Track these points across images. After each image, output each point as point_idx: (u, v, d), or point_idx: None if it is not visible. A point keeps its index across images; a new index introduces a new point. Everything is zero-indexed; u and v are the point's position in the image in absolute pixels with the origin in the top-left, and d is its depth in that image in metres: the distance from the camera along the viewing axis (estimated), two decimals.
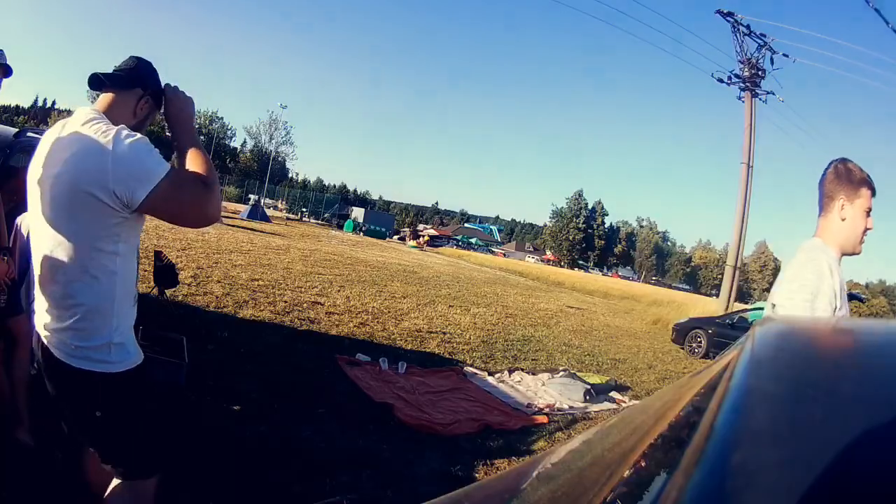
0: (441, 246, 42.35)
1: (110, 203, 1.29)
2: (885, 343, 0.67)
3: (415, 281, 11.58)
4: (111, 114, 1.41)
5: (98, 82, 1.44)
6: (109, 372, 1.36)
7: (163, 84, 1.54)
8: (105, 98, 1.44)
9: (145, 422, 1.47)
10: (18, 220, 2.18)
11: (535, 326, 8.78)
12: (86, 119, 1.35)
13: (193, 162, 1.43)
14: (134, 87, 1.46)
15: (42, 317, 1.40)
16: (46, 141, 1.41)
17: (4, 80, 2.36)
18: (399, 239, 39.49)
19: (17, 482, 1.88)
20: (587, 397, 4.88)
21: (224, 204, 22.98)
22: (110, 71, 1.47)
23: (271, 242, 13.31)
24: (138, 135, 1.34)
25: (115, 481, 1.48)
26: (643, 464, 0.62)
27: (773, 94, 18.14)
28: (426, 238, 43.37)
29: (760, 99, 18.04)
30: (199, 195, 1.39)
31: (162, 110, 1.53)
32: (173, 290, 4.93)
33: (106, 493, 1.49)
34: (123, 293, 1.39)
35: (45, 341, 1.39)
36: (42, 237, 1.36)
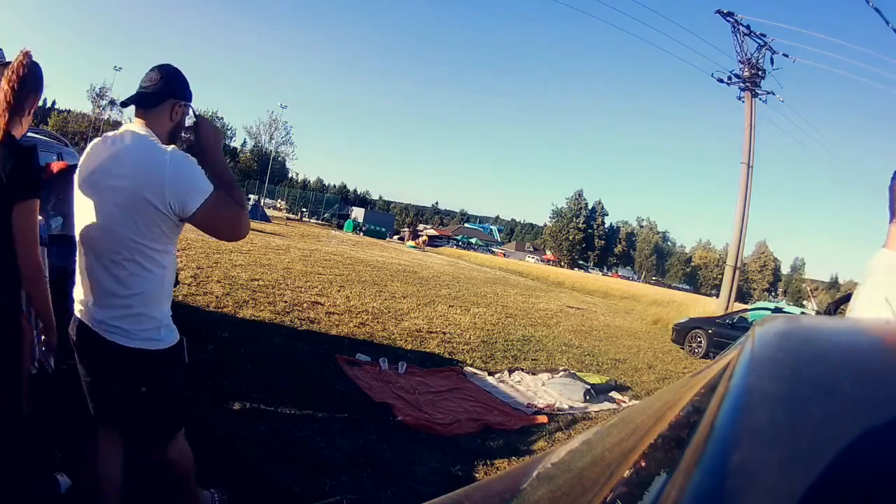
0: (441, 246, 42.35)
1: (165, 211, 1.53)
2: (884, 343, 0.67)
3: (415, 281, 11.58)
4: (154, 126, 1.62)
5: (134, 105, 1.62)
6: (158, 349, 1.61)
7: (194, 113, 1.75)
8: (144, 114, 1.63)
9: (175, 392, 1.73)
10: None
11: (535, 326, 8.78)
12: (138, 136, 1.57)
13: (226, 183, 1.66)
14: (166, 101, 1.64)
15: (93, 308, 1.59)
16: (97, 152, 1.61)
17: None
18: (399, 239, 39.50)
19: (18, 481, 1.88)
20: (587, 397, 4.88)
21: None
22: (139, 88, 1.64)
23: (271, 242, 13.31)
24: (190, 156, 1.57)
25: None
26: (643, 464, 0.62)
27: (773, 94, 18.14)
28: (425, 238, 43.37)
29: (760, 99, 18.04)
30: (236, 215, 1.66)
31: (191, 137, 1.74)
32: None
33: (154, 456, 1.75)
34: (169, 283, 1.67)
35: (95, 329, 1.58)
36: (101, 239, 1.56)
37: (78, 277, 1.65)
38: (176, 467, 1.80)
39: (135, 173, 1.52)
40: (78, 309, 1.64)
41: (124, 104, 1.61)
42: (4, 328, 1.70)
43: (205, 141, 1.71)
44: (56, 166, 1.82)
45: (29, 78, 1.66)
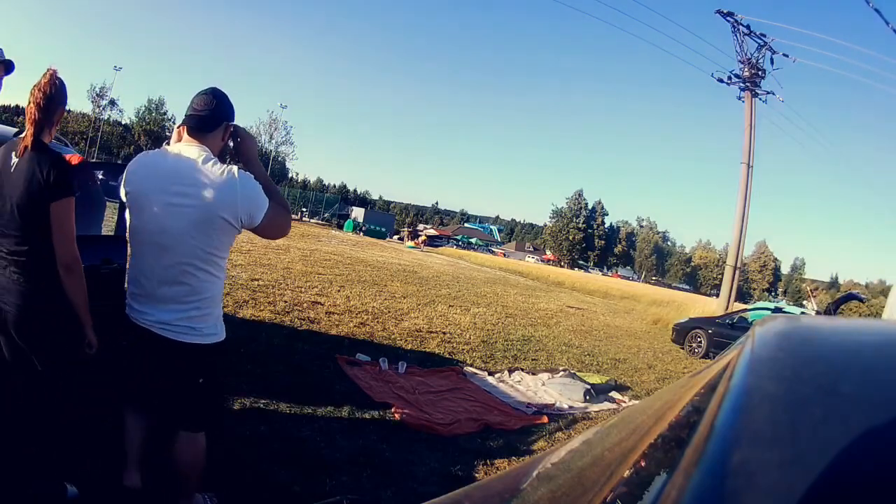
0: (441, 246, 42.32)
1: (235, 225, 1.74)
2: (885, 343, 0.67)
3: (415, 281, 11.58)
4: (210, 145, 1.80)
5: (194, 129, 1.80)
6: (215, 342, 1.83)
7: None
8: (201, 136, 1.80)
9: (220, 381, 2.03)
10: None
11: (535, 326, 8.78)
12: (201, 157, 1.73)
13: (271, 191, 1.86)
14: (220, 124, 1.83)
15: (158, 311, 1.76)
16: (159, 168, 1.76)
17: (5, 77, 2.36)
18: (398, 239, 39.49)
19: (17, 482, 1.88)
20: (587, 397, 4.88)
21: None
22: (191, 110, 1.81)
23: (271, 242, 13.31)
24: (251, 174, 1.79)
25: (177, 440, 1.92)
26: (643, 464, 0.62)
27: (773, 94, 18.15)
28: (424, 238, 43.34)
29: (760, 99, 18.05)
30: (285, 218, 1.93)
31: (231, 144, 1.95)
32: None
33: (174, 451, 1.91)
34: (223, 284, 1.88)
35: (158, 331, 1.76)
36: (174, 251, 1.72)
37: (137, 283, 1.81)
38: (187, 468, 1.94)
39: (210, 195, 1.69)
40: (138, 312, 1.80)
41: (191, 130, 1.79)
42: (44, 323, 1.82)
43: (248, 153, 1.94)
44: (74, 159, 1.89)
45: (56, 95, 1.81)
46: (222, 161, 1.80)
